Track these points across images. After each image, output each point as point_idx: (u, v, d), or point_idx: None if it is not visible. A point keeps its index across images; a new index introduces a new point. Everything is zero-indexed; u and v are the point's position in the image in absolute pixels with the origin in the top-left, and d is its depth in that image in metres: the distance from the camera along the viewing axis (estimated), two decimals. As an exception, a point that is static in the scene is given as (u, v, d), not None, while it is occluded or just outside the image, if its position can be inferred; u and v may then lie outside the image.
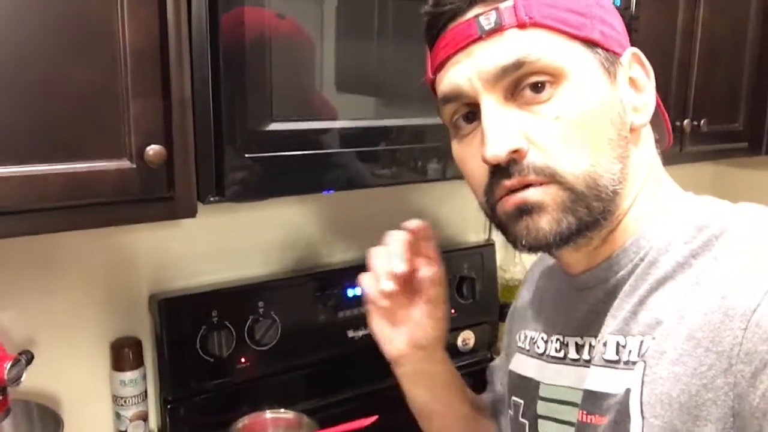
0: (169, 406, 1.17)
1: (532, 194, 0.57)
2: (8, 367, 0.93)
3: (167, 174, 0.84)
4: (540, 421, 0.68)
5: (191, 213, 0.89)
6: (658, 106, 0.63)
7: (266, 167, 0.90)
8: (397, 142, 1.02)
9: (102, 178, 0.80)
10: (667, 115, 0.68)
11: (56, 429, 1.02)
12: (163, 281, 1.21)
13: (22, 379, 0.95)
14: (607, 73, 0.59)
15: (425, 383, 0.82)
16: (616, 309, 0.61)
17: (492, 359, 1.56)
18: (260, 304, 1.22)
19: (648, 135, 0.64)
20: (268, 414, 1.13)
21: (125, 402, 1.15)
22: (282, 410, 1.14)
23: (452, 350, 1.50)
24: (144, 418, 1.18)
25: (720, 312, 0.52)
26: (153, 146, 0.81)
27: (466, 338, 1.51)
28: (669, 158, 0.67)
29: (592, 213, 0.58)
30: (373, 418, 1.12)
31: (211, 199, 0.89)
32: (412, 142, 1.03)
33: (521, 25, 0.57)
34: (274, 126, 0.89)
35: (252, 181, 0.89)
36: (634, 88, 0.62)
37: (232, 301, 1.20)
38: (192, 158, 0.86)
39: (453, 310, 1.46)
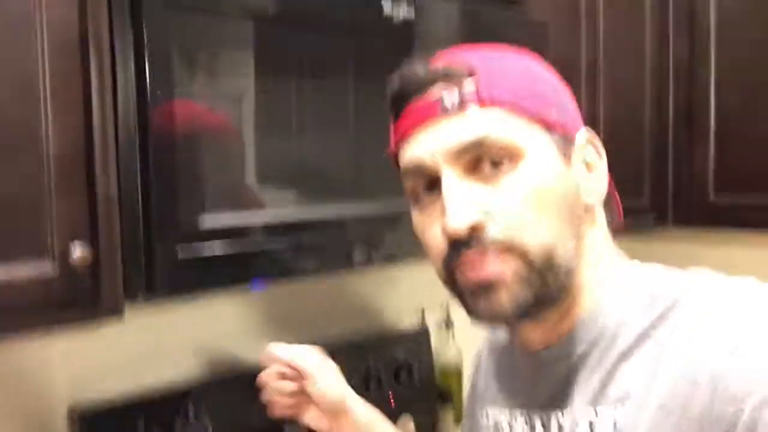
0: None
1: (491, 270, 0.58)
2: None
3: (92, 275, 0.80)
4: None
5: (118, 315, 0.85)
6: (608, 184, 0.66)
7: (199, 262, 0.87)
8: (328, 231, 1.02)
9: (22, 283, 0.75)
10: (616, 193, 0.70)
11: None
12: (85, 391, 1.12)
13: None
14: (562, 154, 0.61)
15: None
16: (582, 384, 0.61)
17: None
18: (191, 409, 1.15)
19: (599, 213, 0.66)
20: None
21: None
22: None
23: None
24: None
25: (687, 379, 0.53)
26: (77, 247, 0.78)
27: (407, 426, 1.47)
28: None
29: (546, 286, 0.59)
30: None
31: (140, 297, 0.85)
32: (348, 229, 1.04)
33: (482, 105, 0.59)
34: (207, 219, 0.87)
35: (184, 277, 0.86)
36: (587, 168, 0.64)
37: (160, 408, 1.13)
38: (118, 258, 0.83)
39: (392, 400, 1.43)
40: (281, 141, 0.99)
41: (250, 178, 0.97)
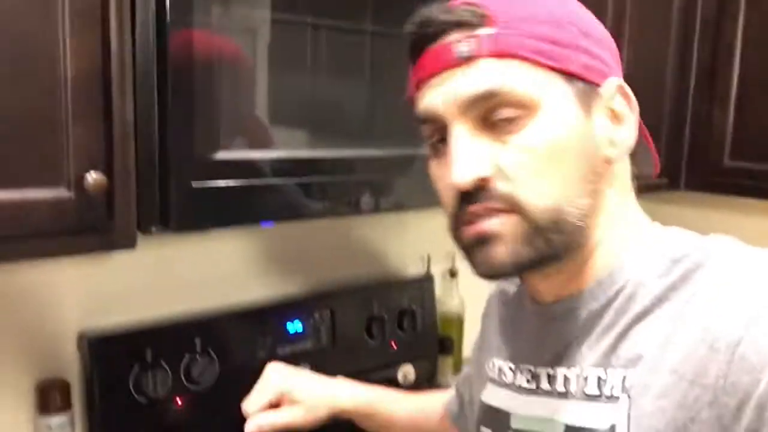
0: (98, 453, 1.10)
1: (490, 225, 0.58)
2: None
3: (107, 203, 0.81)
4: None
5: (130, 244, 0.85)
6: (644, 135, 0.63)
7: (213, 197, 0.87)
8: (338, 174, 1.02)
9: (37, 208, 0.76)
10: (653, 143, 0.67)
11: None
12: (94, 318, 1.14)
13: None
14: (583, 105, 0.59)
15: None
16: (593, 342, 0.61)
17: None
18: (197, 341, 1.17)
19: (624, 168, 0.64)
20: (207, 457, 1.08)
21: (50, 449, 1.07)
22: (221, 453, 1.09)
23: (393, 385, 1.49)
24: (70, 466, 1.10)
25: (704, 345, 0.53)
26: (93, 173, 0.78)
27: (407, 372, 1.50)
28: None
29: (551, 245, 0.58)
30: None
31: (154, 229, 0.86)
32: (357, 173, 1.04)
33: (498, 55, 0.56)
34: (222, 154, 0.87)
35: (198, 211, 0.87)
36: (615, 120, 0.61)
37: (168, 339, 1.15)
38: (133, 187, 0.83)
39: (393, 344, 1.46)
40: (296, 78, 0.97)
41: (264, 114, 0.96)
